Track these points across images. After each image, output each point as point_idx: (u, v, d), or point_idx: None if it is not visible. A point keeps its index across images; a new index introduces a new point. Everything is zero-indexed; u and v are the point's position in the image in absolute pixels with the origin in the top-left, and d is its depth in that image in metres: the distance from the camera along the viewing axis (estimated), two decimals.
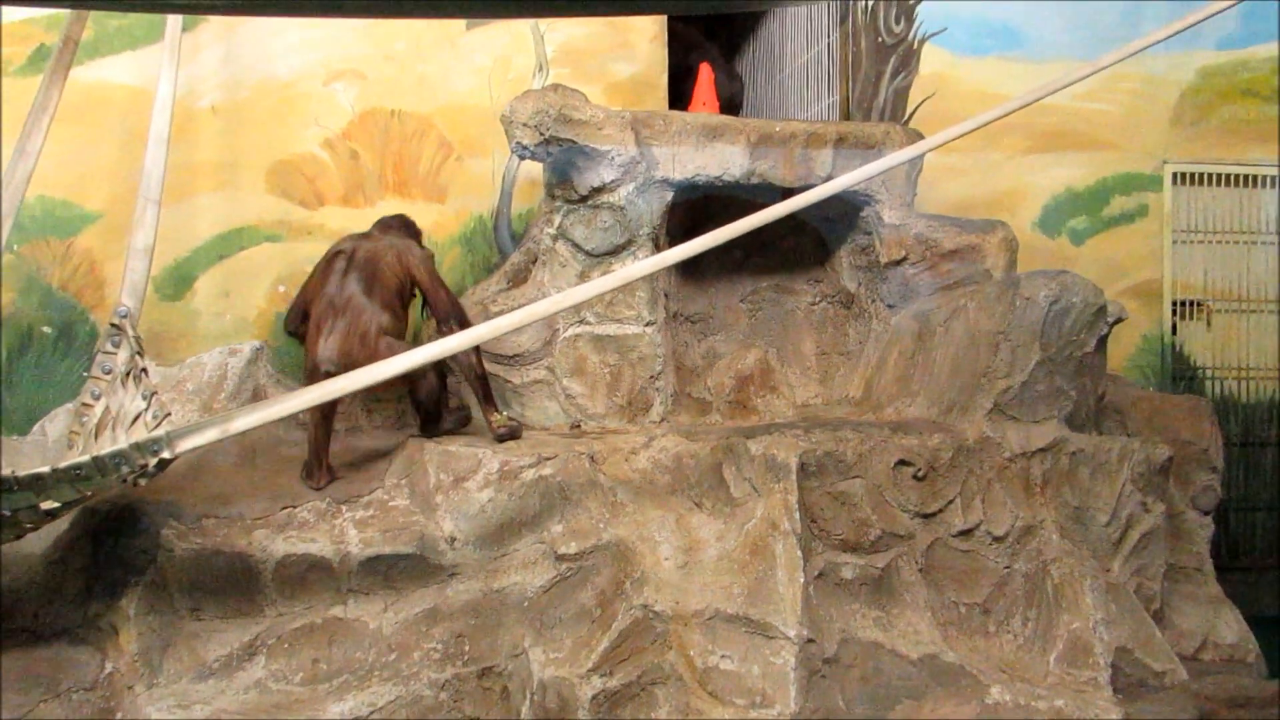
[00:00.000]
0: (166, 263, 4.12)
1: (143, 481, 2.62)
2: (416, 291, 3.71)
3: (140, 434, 2.74)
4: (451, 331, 3.32)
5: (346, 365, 3.28)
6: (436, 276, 3.71)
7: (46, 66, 3.50)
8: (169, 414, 2.81)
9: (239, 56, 4.23)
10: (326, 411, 3.47)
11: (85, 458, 2.50)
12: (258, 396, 4.04)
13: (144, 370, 2.95)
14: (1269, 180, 5.17)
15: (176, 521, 3.16)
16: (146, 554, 3.09)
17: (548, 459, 3.31)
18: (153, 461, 2.53)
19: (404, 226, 3.91)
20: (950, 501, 3.35)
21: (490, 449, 3.37)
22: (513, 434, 3.54)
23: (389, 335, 3.51)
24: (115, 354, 3.18)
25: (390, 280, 3.61)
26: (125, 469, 2.55)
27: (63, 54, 3.52)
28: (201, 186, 4.20)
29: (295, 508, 3.32)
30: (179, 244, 4.15)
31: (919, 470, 3.32)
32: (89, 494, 2.68)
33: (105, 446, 2.73)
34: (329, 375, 3.20)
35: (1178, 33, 2.99)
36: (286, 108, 4.27)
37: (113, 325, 3.22)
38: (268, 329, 4.23)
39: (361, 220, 4.30)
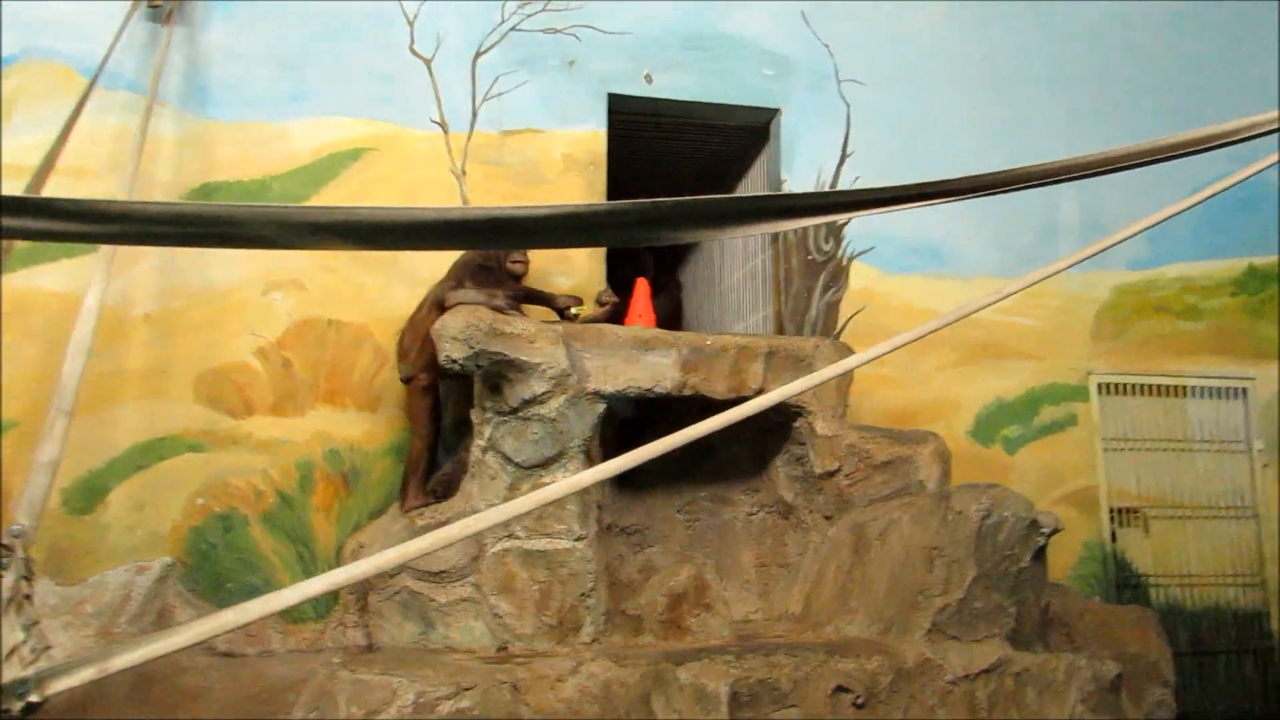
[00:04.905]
0: (79, 474, 3.96)
1: None
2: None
3: (14, 671, 2.51)
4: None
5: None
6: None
7: None
8: (48, 647, 2.58)
9: (177, 266, 4.23)
10: (431, 442, 4.14)
11: None
12: (164, 619, 3.81)
13: (27, 597, 2.73)
14: (1189, 390, 5.33)
15: None
16: None
17: (466, 689, 3.09)
18: (18, 706, 2.29)
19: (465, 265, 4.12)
20: None
21: (406, 678, 3.14)
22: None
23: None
24: (1, 577, 2.96)
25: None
26: None
27: None
28: (126, 395, 4.10)
29: None
30: (95, 454, 4.00)
31: (858, 697, 3.15)
32: None
33: None
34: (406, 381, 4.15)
35: (1093, 255, 3.11)
36: (221, 316, 4.24)
37: (2, 545, 3.02)
38: (181, 545, 4.03)
39: (289, 429, 4.23)
